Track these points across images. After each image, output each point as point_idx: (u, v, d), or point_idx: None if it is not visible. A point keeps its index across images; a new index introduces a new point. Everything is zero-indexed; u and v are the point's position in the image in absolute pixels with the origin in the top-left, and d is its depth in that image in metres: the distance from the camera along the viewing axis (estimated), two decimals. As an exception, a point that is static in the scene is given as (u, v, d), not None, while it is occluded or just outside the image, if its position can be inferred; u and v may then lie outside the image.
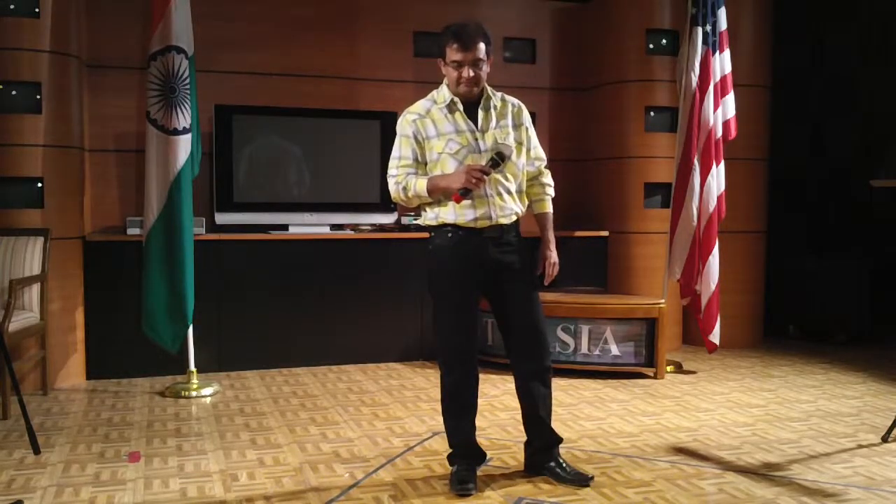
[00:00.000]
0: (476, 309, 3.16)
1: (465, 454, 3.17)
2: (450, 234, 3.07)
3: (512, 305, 3.15)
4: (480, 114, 3.08)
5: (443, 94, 3.10)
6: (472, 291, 3.12)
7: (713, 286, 5.14)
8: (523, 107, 3.21)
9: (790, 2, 6.47)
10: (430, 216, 3.11)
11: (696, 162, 5.10)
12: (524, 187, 3.19)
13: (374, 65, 5.77)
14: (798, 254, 6.63)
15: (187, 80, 4.54)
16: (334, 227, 5.48)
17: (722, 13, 5.14)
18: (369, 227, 5.59)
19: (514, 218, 3.11)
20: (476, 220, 3.03)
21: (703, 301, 5.16)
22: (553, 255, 3.23)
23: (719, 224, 5.18)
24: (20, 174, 4.62)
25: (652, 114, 5.88)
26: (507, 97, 3.19)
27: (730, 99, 5.19)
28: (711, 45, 5.10)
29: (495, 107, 3.12)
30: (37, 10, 4.60)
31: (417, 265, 5.49)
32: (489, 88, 3.13)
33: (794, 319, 6.48)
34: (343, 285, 5.39)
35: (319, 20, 5.65)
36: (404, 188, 3.06)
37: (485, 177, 2.93)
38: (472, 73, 3.00)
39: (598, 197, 6.14)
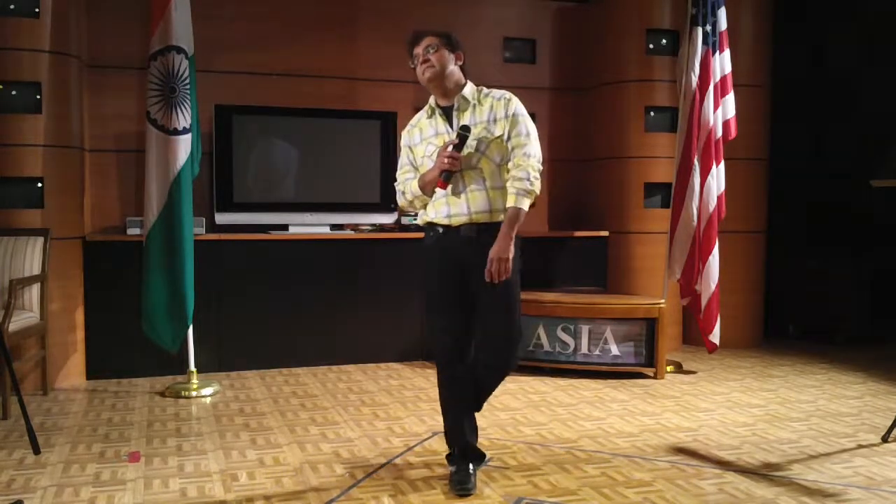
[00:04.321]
0: (464, 309, 3.10)
1: (464, 454, 3.17)
2: (431, 234, 3.13)
3: (483, 306, 3.07)
4: (455, 115, 3.10)
5: (429, 102, 3.19)
6: (456, 291, 3.09)
7: (713, 286, 5.14)
8: (509, 98, 3.08)
9: (790, 2, 6.47)
10: (419, 216, 3.22)
11: (696, 162, 5.11)
12: (505, 183, 3.04)
13: (374, 65, 5.77)
14: (798, 254, 6.63)
15: (187, 80, 4.54)
16: (334, 227, 5.48)
17: (722, 13, 5.14)
18: (369, 227, 5.59)
19: (488, 218, 3.00)
20: (450, 216, 3.04)
21: (703, 301, 5.16)
22: (496, 250, 2.94)
23: (719, 224, 5.18)
24: (20, 174, 4.62)
25: (652, 114, 5.88)
26: (495, 92, 3.11)
27: (730, 99, 5.19)
28: (711, 45, 5.10)
29: (474, 106, 3.09)
30: (37, 10, 4.60)
31: (417, 265, 5.47)
32: (470, 90, 3.10)
33: (794, 319, 6.48)
34: (343, 285, 5.39)
35: (319, 20, 5.66)
36: (403, 192, 3.21)
37: (456, 153, 2.97)
38: (425, 56, 3.05)
39: (598, 197, 6.14)
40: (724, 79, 5.17)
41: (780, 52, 6.32)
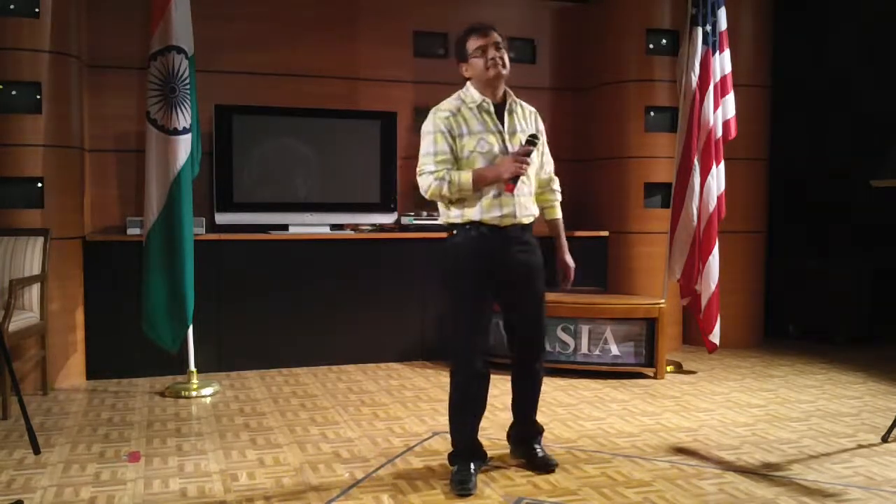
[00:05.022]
0: (491, 308, 3.20)
1: (468, 453, 3.20)
2: (473, 233, 3.10)
3: (523, 303, 3.23)
4: (506, 117, 3.17)
5: (471, 94, 3.17)
6: (489, 290, 3.16)
7: (713, 286, 5.14)
8: (538, 114, 3.33)
9: (790, 2, 6.47)
10: (455, 214, 3.13)
11: (696, 162, 5.11)
12: (536, 191, 3.29)
13: (374, 65, 5.77)
14: (798, 254, 6.63)
15: (187, 80, 4.53)
16: (334, 227, 5.48)
17: (722, 13, 5.14)
18: (369, 227, 5.59)
19: (532, 219, 3.20)
20: (502, 217, 3.09)
21: (703, 301, 5.16)
22: (569, 259, 3.36)
23: (719, 224, 5.18)
24: (20, 174, 4.62)
25: (652, 114, 5.88)
26: (525, 104, 3.30)
27: (730, 99, 5.19)
28: (711, 45, 5.10)
29: (518, 111, 3.22)
30: (37, 10, 4.60)
31: (417, 265, 5.50)
32: (512, 93, 3.23)
33: (794, 319, 6.48)
34: (343, 285, 5.39)
35: (319, 20, 5.66)
36: (449, 182, 3.05)
37: (527, 159, 3.03)
38: (497, 54, 3.11)
39: (598, 197, 6.14)
40: (724, 79, 5.17)
41: (780, 52, 6.32)
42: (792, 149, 6.70)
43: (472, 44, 3.13)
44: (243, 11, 5.47)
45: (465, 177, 3.04)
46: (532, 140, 3.05)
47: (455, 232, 3.15)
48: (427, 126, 3.14)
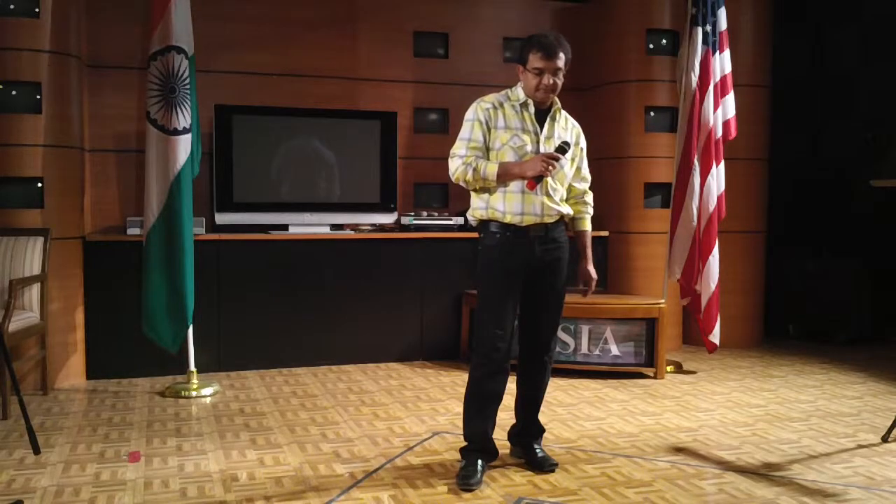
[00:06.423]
0: (516, 307, 3.25)
1: (480, 448, 3.25)
2: (498, 236, 3.19)
3: (542, 296, 3.28)
4: (548, 122, 3.24)
5: (517, 93, 3.26)
6: (515, 289, 3.22)
7: (713, 286, 5.14)
8: (581, 130, 3.38)
9: (790, 2, 6.47)
10: (481, 205, 3.23)
11: (696, 162, 5.11)
12: (566, 197, 3.34)
13: (374, 65, 5.77)
14: (798, 254, 6.63)
15: (187, 80, 4.53)
16: (334, 227, 5.48)
17: (722, 13, 5.15)
18: (369, 227, 5.59)
19: (557, 217, 3.24)
20: (522, 215, 3.15)
21: (703, 301, 5.16)
22: (594, 271, 3.41)
23: (719, 224, 5.18)
24: (20, 174, 4.62)
25: (652, 114, 5.89)
26: (570, 118, 3.35)
27: (730, 99, 5.19)
28: (711, 45, 5.10)
29: (561, 121, 3.28)
30: (37, 10, 4.60)
31: (417, 265, 5.50)
32: (558, 102, 3.28)
33: (794, 319, 6.48)
34: (343, 285, 5.39)
35: (319, 20, 5.66)
36: (474, 169, 3.16)
37: (554, 163, 3.09)
38: (551, 81, 3.16)
39: (598, 197, 6.04)
40: (724, 79, 5.17)
41: (780, 52, 6.32)
42: (792, 149, 6.70)
43: (534, 61, 3.16)
44: (243, 11, 5.47)
45: (491, 167, 3.13)
46: (562, 148, 3.14)
47: (483, 235, 3.24)
48: (468, 114, 3.26)
